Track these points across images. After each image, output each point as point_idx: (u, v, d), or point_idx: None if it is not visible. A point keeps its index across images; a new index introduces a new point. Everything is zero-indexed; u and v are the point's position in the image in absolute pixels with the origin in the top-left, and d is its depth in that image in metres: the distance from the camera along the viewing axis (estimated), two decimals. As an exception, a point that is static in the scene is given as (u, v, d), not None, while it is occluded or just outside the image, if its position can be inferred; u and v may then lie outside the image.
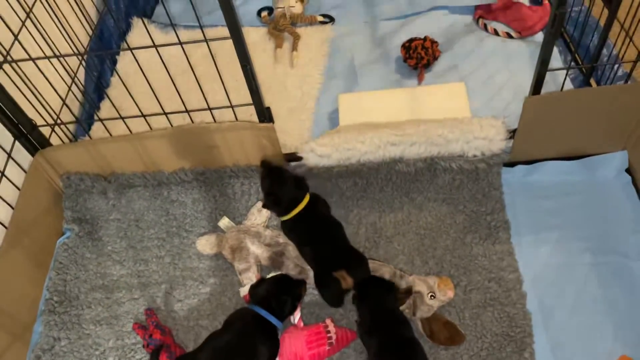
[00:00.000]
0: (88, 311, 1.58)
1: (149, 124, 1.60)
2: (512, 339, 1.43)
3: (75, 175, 1.71)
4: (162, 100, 1.57)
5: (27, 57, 1.42)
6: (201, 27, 1.32)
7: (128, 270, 1.65)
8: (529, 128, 1.57)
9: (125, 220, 1.74)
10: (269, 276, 1.50)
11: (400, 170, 1.68)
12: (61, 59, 1.59)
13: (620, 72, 1.72)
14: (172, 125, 1.61)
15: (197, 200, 1.74)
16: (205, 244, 1.65)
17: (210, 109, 1.51)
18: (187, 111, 1.55)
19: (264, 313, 1.37)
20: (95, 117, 1.79)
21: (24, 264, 1.56)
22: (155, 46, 1.35)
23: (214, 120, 1.58)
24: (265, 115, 1.52)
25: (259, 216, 1.67)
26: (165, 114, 1.56)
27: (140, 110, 1.57)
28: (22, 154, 1.62)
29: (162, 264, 1.65)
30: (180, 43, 1.32)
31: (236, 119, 1.57)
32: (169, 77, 1.47)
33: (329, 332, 1.40)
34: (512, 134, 1.62)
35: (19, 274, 1.54)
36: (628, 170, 1.65)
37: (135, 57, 1.43)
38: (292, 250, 1.57)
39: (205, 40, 1.31)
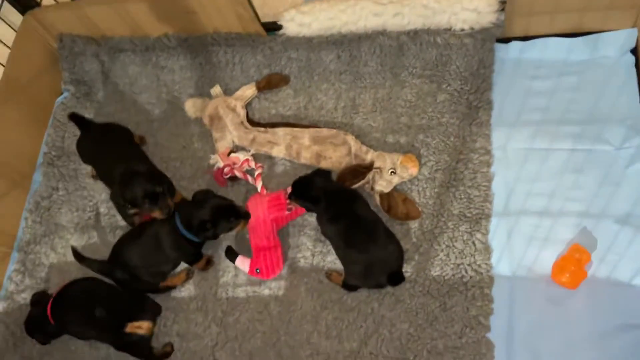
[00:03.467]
0: (85, 166, 1.72)
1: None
2: (467, 219, 1.43)
3: (67, 37, 1.77)
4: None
5: None
6: None
7: (121, 131, 1.76)
8: (521, -2, 1.42)
9: (121, 84, 1.81)
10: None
11: (384, 43, 1.60)
12: None
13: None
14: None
15: (184, 67, 1.76)
16: (191, 106, 1.69)
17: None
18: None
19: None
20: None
21: (21, 119, 1.69)
22: None
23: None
24: (236, -20, 1.47)
25: (244, 93, 1.67)
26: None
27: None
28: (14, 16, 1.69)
29: (150, 128, 1.73)
30: None
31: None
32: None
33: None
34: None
35: (16, 129, 1.68)
36: (634, 51, 1.47)
37: None
38: (262, 136, 1.58)
39: None
